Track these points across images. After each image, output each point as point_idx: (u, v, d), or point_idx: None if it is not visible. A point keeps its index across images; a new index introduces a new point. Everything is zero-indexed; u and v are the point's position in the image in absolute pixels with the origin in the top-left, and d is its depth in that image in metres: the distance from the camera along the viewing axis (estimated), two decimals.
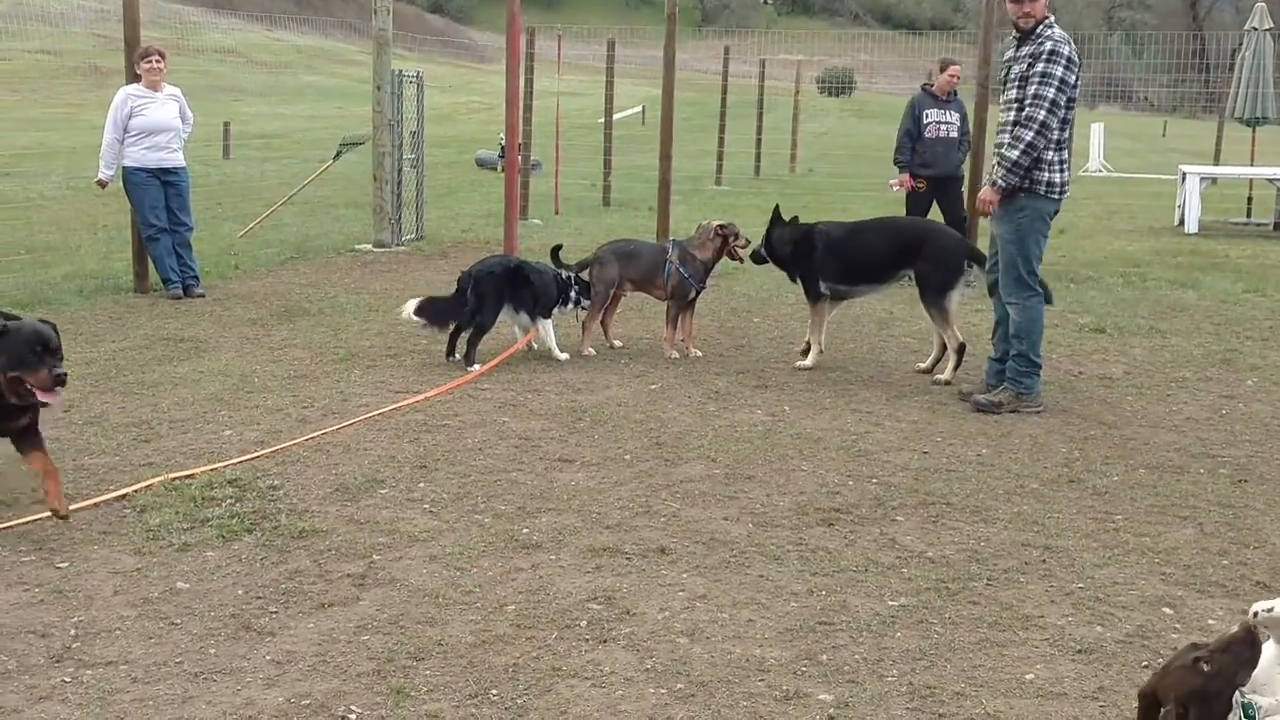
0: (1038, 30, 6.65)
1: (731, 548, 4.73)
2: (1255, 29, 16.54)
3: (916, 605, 4.22)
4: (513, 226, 10.55)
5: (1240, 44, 17.01)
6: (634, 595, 4.26)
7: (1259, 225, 16.48)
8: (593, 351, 8.08)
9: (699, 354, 8.10)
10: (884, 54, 53.92)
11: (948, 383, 7.43)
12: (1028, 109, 6.57)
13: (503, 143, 14.46)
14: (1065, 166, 6.75)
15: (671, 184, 12.36)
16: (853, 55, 54.99)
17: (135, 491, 5.15)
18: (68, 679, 3.58)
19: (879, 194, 17.58)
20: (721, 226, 8.16)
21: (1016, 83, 6.70)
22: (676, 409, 6.78)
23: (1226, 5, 64.96)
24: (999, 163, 6.67)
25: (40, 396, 4.63)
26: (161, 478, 5.30)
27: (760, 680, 3.66)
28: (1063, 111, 6.61)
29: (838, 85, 52.06)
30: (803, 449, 6.06)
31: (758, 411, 6.77)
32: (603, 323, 8.32)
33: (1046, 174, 6.69)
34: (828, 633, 3.99)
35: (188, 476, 5.36)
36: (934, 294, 7.56)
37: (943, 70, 11.32)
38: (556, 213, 16.29)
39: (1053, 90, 6.54)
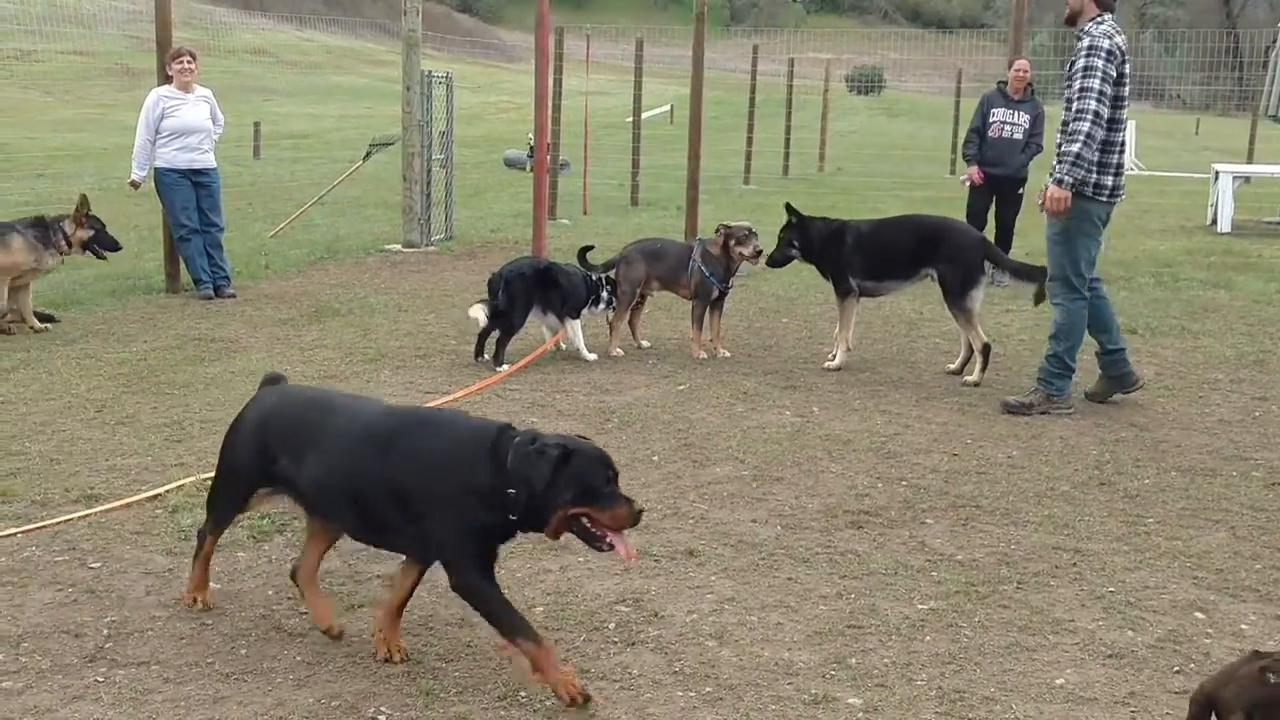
0: (1085, 26, 6.59)
1: (760, 550, 4.72)
2: None
3: (946, 609, 4.21)
4: (541, 226, 10.58)
5: (1274, 41, 16.84)
6: (662, 598, 4.26)
7: None
8: (620, 352, 8.09)
9: (727, 354, 8.10)
10: (913, 52, 53.83)
11: (976, 384, 7.40)
12: (1076, 104, 6.50)
13: (531, 142, 14.50)
14: (1118, 171, 6.68)
15: (699, 183, 12.36)
16: (882, 54, 54.86)
17: (167, 492, 5.19)
18: (101, 679, 3.61)
19: (908, 193, 17.54)
20: (725, 227, 8.14)
21: (1068, 81, 6.66)
22: (704, 410, 6.77)
23: (1260, 2, 64.40)
24: (1059, 159, 6.55)
25: (610, 539, 3.51)
26: (193, 478, 5.32)
27: (789, 684, 3.66)
28: (1109, 102, 6.52)
29: (867, 84, 51.92)
30: (832, 450, 6.05)
31: (786, 412, 6.76)
32: (630, 323, 8.32)
33: (1096, 176, 6.61)
34: (857, 636, 3.98)
35: None
36: (955, 295, 7.56)
37: (1010, 68, 11.19)
38: (585, 212, 16.30)
39: (1097, 81, 6.43)
